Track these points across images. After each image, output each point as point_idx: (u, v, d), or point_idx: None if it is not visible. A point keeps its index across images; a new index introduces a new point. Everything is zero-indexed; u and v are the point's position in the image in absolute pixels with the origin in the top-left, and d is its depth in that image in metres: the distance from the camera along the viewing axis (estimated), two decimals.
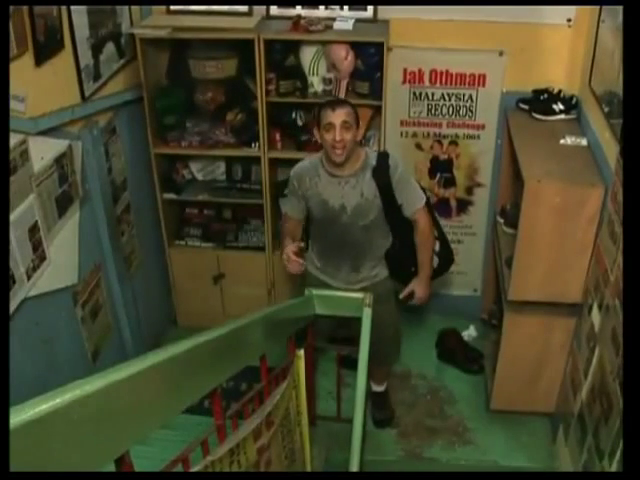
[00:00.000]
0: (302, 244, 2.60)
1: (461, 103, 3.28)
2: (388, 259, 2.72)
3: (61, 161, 2.49)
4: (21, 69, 2.15)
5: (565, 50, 3.05)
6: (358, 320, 2.39)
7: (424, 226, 2.64)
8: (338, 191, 2.54)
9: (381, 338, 2.62)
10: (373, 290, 2.58)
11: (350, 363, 2.85)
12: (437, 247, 2.80)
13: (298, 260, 2.48)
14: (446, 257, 2.86)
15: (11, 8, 2.03)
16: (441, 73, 3.22)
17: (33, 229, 2.26)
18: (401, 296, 2.76)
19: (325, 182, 2.55)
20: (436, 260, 2.81)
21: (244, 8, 3.15)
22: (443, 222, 3.57)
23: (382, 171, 2.52)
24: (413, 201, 2.60)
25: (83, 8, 2.61)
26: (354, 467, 2.03)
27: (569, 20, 3.00)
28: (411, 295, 2.76)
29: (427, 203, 2.69)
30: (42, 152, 2.33)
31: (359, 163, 2.53)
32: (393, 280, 2.78)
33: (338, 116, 2.38)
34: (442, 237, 2.85)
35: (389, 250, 2.71)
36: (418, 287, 2.73)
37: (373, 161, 2.54)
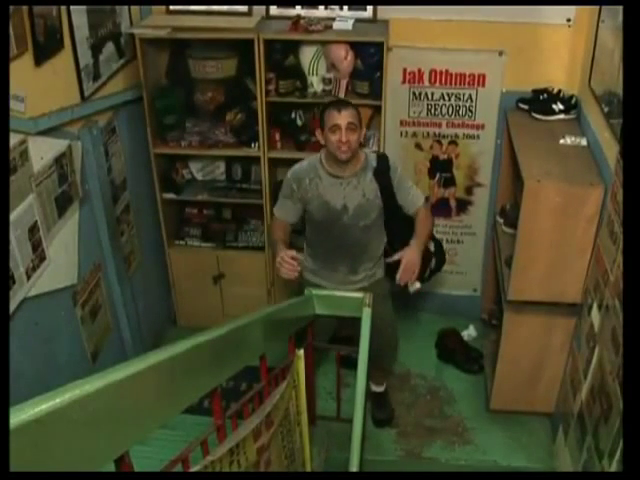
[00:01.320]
0: (297, 254, 2.47)
1: (461, 103, 3.28)
2: (386, 259, 2.72)
3: (61, 161, 2.49)
4: (21, 69, 2.15)
5: (565, 50, 3.05)
6: (358, 320, 2.40)
7: (425, 212, 2.67)
8: (340, 192, 2.55)
9: (378, 339, 2.61)
10: (370, 290, 2.59)
11: (350, 363, 2.85)
12: (432, 247, 2.80)
13: (293, 263, 2.40)
14: (440, 257, 2.86)
15: (11, 8, 2.03)
16: (441, 73, 3.22)
17: (33, 229, 2.26)
18: (389, 259, 2.63)
19: (326, 183, 2.56)
20: (434, 261, 2.80)
21: (244, 8, 3.15)
22: (443, 222, 3.61)
23: (383, 172, 2.56)
24: (414, 201, 2.65)
25: (83, 8, 2.61)
26: (354, 467, 2.03)
27: (569, 20, 3.00)
28: (405, 285, 2.70)
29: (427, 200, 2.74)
30: (42, 152, 2.33)
31: (360, 164, 2.56)
32: (389, 280, 2.78)
33: (344, 117, 2.40)
34: (435, 239, 2.86)
35: (387, 250, 2.71)
36: (409, 251, 2.52)
37: (373, 162, 2.58)
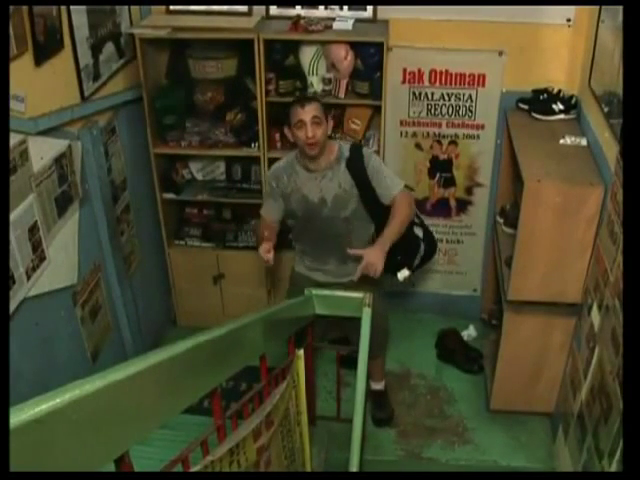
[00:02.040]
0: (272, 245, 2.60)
1: (461, 103, 3.28)
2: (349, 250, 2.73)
3: (61, 161, 2.49)
4: (21, 69, 2.15)
5: (565, 50, 3.05)
6: (353, 320, 2.40)
7: (401, 199, 2.56)
8: (316, 185, 2.59)
9: (371, 329, 2.61)
10: (362, 283, 2.60)
11: (349, 363, 2.85)
12: (421, 234, 2.77)
13: (268, 257, 2.54)
14: (429, 242, 2.81)
15: (11, 8, 2.03)
16: (441, 73, 3.22)
17: (33, 229, 2.26)
18: (350, 251, 2.50)
19: (303, 178, 2.61)
20: (422, 247, 2.76)
21: (244, 8, 3.15)
22: (443, 222, 3.61)
23: (356, 161, 2.57)
24: (390, 188, 2.57)
25: (83, 8, 2.61)
26: (354, 467, 2.03)
27: (569, 20, 3.00)
28: (395, 273, 2.69)
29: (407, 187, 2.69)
30: (42, 152, 2.33)
31: (333, 155, 2.59)
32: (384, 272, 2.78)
33: (308, 112, 2.44)
34: (423, 225, 2.82)
35: (374, 239, 2.71)
36: (371, 252, 2.41)
37: (346, 152, 2.60)
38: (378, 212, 2.64)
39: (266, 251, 2.55)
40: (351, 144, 2.71)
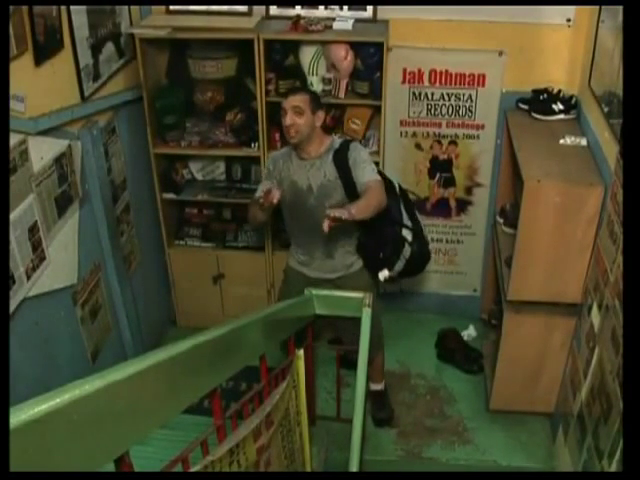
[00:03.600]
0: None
1: (460, 103, 3.28)
2: (358, 248, 2.78)
3: (61, 161, 2.49)
4: (21, 69, 2.15)
5: (565, 50, 3.05)
6: (345, 320, 2.40)
7: (371, 187, 2.51)
8: (304, 172, 2.69)
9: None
10: (351, 282, 2.70)
11: (348, 363, 2.85)
12: (409, 237, 2.76)
13: (273, 195, 2.49)
14: (420, 247, 2.78)
15: (11, 8, 2.03)
16: (440, 73, 3.21)
17: (33, 229, 2.26)
18: (328, 211, 2.32)
19: (295, 165, 2.72)
20: (408, 249, 2.74)
21: (244, 8, 3.15)
22: (443, 222, 3.61)
23: (341, 153, 2.66)
24: (363, 176, 2.56)
25: (83, 8, 2.61)
26: (354, 467, 2.03)
27: (569, 20, 3.00)
28: (375, 273, 2.74)
29: (394, 193, 2.73)
30: (42, 152, 2.33)
31: (324, 147, 2.68)
32: (368, 271, 2.81)
33: (290, 102, 2.58)
34: (415, 229, 2.79)
35: (362, 243, 2.77)
36: (347, 205, 2.40)
37: (337, 145, 2.69)
38: None
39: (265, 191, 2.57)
40: (345, 139, 2.78)
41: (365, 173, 2.59)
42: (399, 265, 2.76)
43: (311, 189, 2.68)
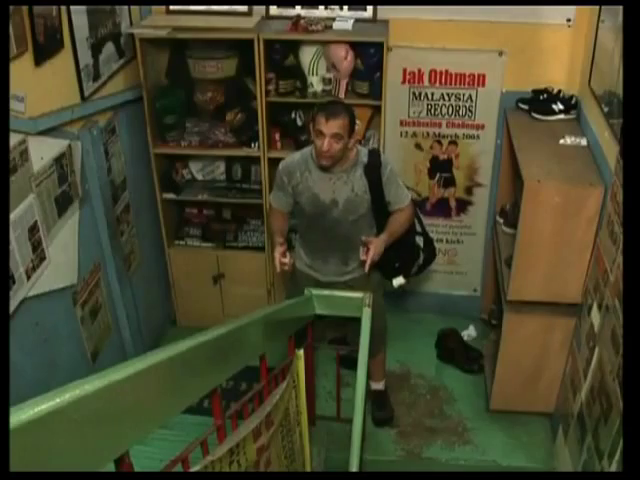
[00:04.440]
0: (286, 248, 2.64)
1: (461, 103, 3.28)
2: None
3: (61, 161, 2.49)
4: (21, 69, 2.15)
5: (565, 50, 3.05)
6: (353, 320, 2.40)
7: (406, 213, 2.70)
8: (329, 186, 2.57)
9: (370, 329, 2.62)
10: (362, 281, 2.67)
11: (348, 363, 2.85)
12: (422, 243, 2.85)
13: (284, 262, 2.59)
14: (429, 252, 2.90)
15: (11, 8, 2.03)
16: (441, 73, 3.22)
17: (33, 229, 2.26)
18: (363, 238, 2.56)
19: (316, 177, 2.58)
20: (422, 257, 2.86)
21: (244, 8, 3.15)
22: (443, 222, 3.61)
23: (374, 168, 2.58)
24: (400, 199, 2.66)
25: (83, 8, 2.61)
26: (354, 467, 2.03)
27: (569, 20, 3.00)
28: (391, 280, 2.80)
29: (412, 201, 2.75)
30: (42, 152, 2.33)
31: (350, 161, 2.57)
32: (379, 272, 2.80)
33: (330, 127, 2.39)
34: (425, 235, 2.89)
35: None
36: (377, 240, 2.56)
37: (364, 158, 2.59)
38: (383, 216, 2.68)
39: (281, 254, 2.58)
40: (369, 150, 2.69)
41: (399, 194, 2.64)
42: (413, 271, 2.83)
43: (336, 203, 2.58)
